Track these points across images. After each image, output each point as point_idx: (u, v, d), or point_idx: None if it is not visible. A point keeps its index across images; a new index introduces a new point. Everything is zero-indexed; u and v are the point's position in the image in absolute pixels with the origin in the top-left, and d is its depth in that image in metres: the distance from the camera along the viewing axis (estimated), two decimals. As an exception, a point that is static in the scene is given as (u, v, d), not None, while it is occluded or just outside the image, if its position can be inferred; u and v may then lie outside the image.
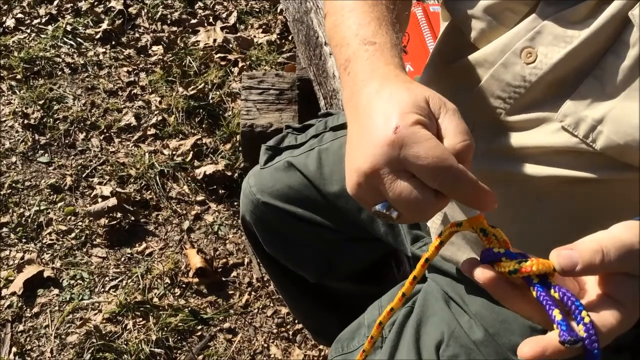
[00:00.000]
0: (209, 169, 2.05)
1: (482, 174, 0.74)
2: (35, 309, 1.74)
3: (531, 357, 0.47)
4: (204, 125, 2.20)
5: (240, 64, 2.41)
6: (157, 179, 2.04)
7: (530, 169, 0.68)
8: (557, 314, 0.48)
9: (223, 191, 2.02)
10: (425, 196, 0.52)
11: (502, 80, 0.68)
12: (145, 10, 2.69)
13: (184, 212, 1.98)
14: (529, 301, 0.51)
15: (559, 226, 0.71)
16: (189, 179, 2.05)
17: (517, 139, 0.68)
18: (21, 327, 1.70)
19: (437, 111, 0.55)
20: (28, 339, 1.68)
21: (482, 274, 0.51)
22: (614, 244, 0.48)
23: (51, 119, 2.20)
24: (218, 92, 2.30)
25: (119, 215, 1.93)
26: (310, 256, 1.14)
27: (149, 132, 2.18)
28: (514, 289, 0.52)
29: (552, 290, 0.50)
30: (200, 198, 2.02)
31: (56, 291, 1.78)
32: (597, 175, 0.63)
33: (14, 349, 1.65)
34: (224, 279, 1.82)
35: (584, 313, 0.48)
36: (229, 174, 2.04)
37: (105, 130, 2.18)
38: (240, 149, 2.08)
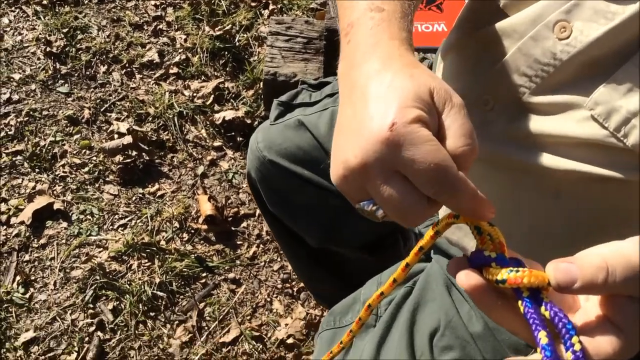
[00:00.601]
0: (228, 114, 1.99)
1: (497, 160, 0.67)
2: (42, 240, 1.74)
3: None
4: (227, 69, 2.13)
5: (270, 7, 2.31)
6: (176, 120, 1.99)
7: (550, 160, 0.60)
8: (542, 337, 0.42)
9: (241, 139, 1.97)
10: (416, 203, 0.46)
11: (529, 56, 0.60)
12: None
13: (200, 156, 1.94)
14: (516, 315, 0.45)
15: (574, 226, 0.64)
16: (208, 123, 2.00)
17: (539, 124, 0.61)
18: (27, 257, 1.70)
19: (441, 106, 0.48)
20: (33, 270, 1.68)
21: (465, 280, 0.45)
22: (621, 263, 0.41)
23: (74, 49, 2.15)
24: (245, 35, 2.21)
25: (134, 153, 1.89)
26: (314, 220, 1.09)
27: (171, 71, 2.12)
28: (502, 299, 0.45)
29: (543, 308, 0.43)
30: (217, 144, 1.97)
31: (65, 224, 1.77)
32: (623, 176, 0.56)
33: (18, 278, 1.66)
34: (233, 228, 1.79)
35: (574, 339, 0.41)
36: (249, 121, 1.98)
37: (127, 65, 2.13)
38: (262, 96, 2.02)
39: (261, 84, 2.02)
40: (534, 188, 0.65)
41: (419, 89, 0.48)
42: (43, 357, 1.54)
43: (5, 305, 1.61)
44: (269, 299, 1.66)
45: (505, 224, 0.73)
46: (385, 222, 0.54)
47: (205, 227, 1.77)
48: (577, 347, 0.41)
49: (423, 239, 0.55)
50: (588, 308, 0.46)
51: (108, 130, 1.96)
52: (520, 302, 0.44)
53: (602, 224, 0.63)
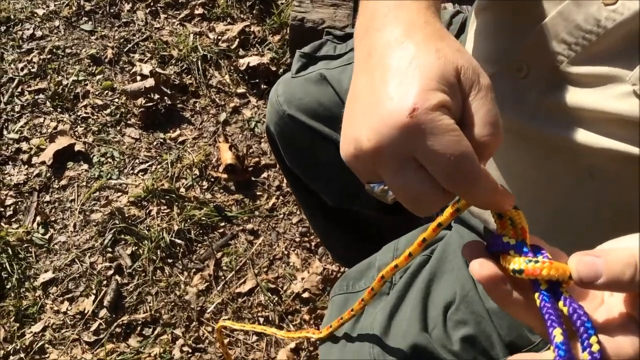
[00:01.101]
0: (253, 60, 1.93)
1: (527, 132, 0.61)
2: (63, 182, 1.73)
3: None
4: (254, 11, 2.06)
5: (302, -53, 2.21)
6: (199, 63, 1.94)
7: (584, 136, 0.55)
8: (557, 334, 0.38)
9: (265, 86, 1.91)
10: (431, 193, 0.43)
11: (571, 21, 0.53)
12: None
13: (223, 103, 1.89)
14: (532, 308, 0.41)
15: (603, 210, 0.59)
16: (232, 68, 1.94)
17: (576, 97, 0.55)
18: (47, 198, 1.71)
19: (467, 88, 0.44)
20: (53, 211, 1.69)
21: (478, 269, 0.41)
22: None
23: (98, -15, 2.09)
24: (274, -23, 2.12)
25: (156, 97, 1.86)
26: (331, 179, 1.04)
27: (196, 12, 2.05)
28: (519, 290, 0.42)
29: (562, 303, 0.39)
30: (240, 90, 1.92)
31: (85, 166, 1.76)
32: None
33: (38, 219, 1.66)
34: (253, 178, 1.76)
35: (593, 339, 0.37)
36: (274, 68, 1.92)
37: (151, 4, 2.07)
38: (288, 43, 1.95)
39: (288, 29, 1.95)
40: (564, 165, 0.59)
41: (445, 68, 0.43)
42: (61, 298, 1.56)
43: (25, 245, 1.62)
44: (286, 252, 1.65)
45: (530, 201, 0.68)
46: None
47: (225, 176, 1.74)
48: (596, 347, 0.37)
49: (442, 215, 0.51)
50: (612, 304, 0.42)
51: (131, 72, 1.92)
52: (537, 294, 0.40)
53: (632, 210, 0.57)
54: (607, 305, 0.42)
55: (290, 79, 1.03)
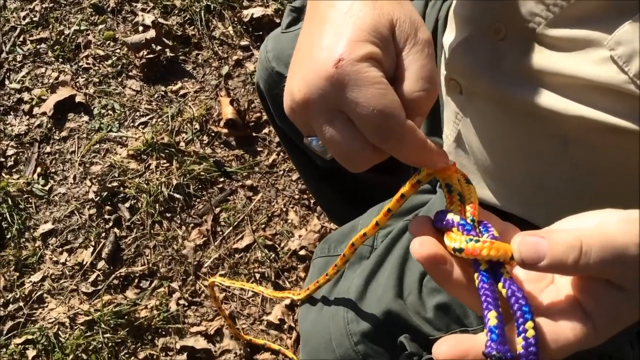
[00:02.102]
0: (257, 11, 1.88)
1: (505, 99, 0.58)
2: (64, 133, 1.73)
3: (446, 359, 0.37)
4: (260, -39, 2.00)
5: None
6: (202, 14, 1.90)
7: (560, 103, 0.52)
8: (492, 317, 0.36)
9: (269, 39, 1.86)
10: (360, 148, 0.42)
11: None
12: None
13: (225, 55, 1.86)
14: (473, 289, 0.39)
15: (578, 180, 0.57)
16: (235, 19, 1.89)
17: (553, 62, 0.51)
18: (48, 149, 1.71)
19: (402, 42, 0.43)
20: (53, 162, 1.69)
21: (418, 249, 0.39)
22: (598, 243, 0.35)
23: None
24: None
25: (157, 48, 1.82)
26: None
27: (200, -39, 1.99)
28: (463, 270, 0.40)
29: (501, 284, 0.38)
30: (244, 43, 1.88)
31: (86, 118, 1.75)
32: (638, 127, 0.47)
33: (38, 170, 1.67)
34: (254, 134, 1.74)
35: (529, 324, 0.36)
36: (278, 20, 1.87)
37: (155, -48, 2.01)
38: (294, -6, 1.89)
39: (294, -20, 1.89)
40: (541, 133, 0.56)
41: (379, 20, 0.41)
42: (60, 249, 1.57)
43: (26, 196, 1.63)
44: (284, 209, 1.64)
45: (508, 169, 0.66)
46: None
47: (225, 130, 1.72)
48: (530, 333, 0.36)
49: (405, 186, 0.49)
50: (561, 285, 0.40)
51: (133, 22, 1.89)
52: (476, 275, 0.38)
53: (608, 182, 0.55)
54: (556, 286, 0.40)
55: (280, 34, 1.00)
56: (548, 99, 0.53)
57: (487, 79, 0.59)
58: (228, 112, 1.72)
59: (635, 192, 0.50)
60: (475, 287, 0.38)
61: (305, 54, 0.44)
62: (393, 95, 0.41)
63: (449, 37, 0.66)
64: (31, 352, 1.45)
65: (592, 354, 0.91)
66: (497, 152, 0.65)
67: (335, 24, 0.42)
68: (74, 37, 1.87)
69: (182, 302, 1.51)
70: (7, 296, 1.51)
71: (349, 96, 0.40)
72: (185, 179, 1.64)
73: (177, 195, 1.63)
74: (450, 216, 0.41)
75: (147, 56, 1.81)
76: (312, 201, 1.64)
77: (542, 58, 0.52)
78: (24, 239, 1.58)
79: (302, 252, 1.56)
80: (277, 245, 1.58)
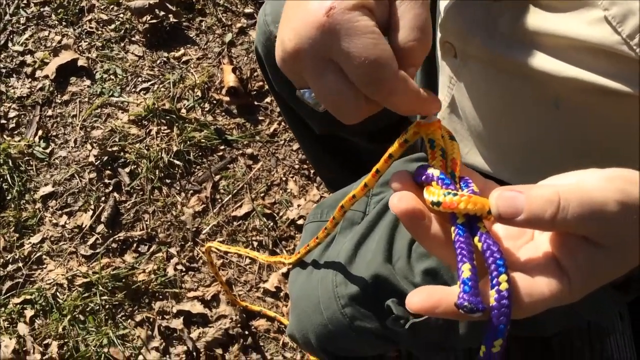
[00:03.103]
0: (262, -21, 1.86)
1: (499, 61, 0.57)
2: (65, 97, 1.72)
3: (418, 311, 0.37)
4: None
5: None
6: (207, -20, 1.88)
7: (552, 64, 0.51)
8: (465, 270, 0.36)
9: (273, 7, 1.85)
10: (352, 98, 0.41)
11: None
12: None
13: (229, 22, 1.84)
14: (449, 244, 0.39)
15: (570, 142, 0.56)
16: (240, -13, 1.87)
17: (547, 22, 0.50)
18: (50, 112, 1.70)
19: None
20: (55, 125, 1.69)
21: (397, 203, 0.39)
22: (577, 198, 0.35)
23: None
24: None
25: (161, 14, 1.81)
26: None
27: None
28: (442, 226, 0.40)
29: (477, 239, 0.37)
30: (248, 10, 1.86)
31: (88, 82, 1.75)
32: (631, 90, 0.46)
33: (40, 133, 1.67)
34: (256, 103, 1.73)
35: (502, 277, 0.35)
36: (283, -11, 1.85)
37: None
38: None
39: (300, -53, 1.86)
40: (534, 96, 0.56)
41: None
42: (60, 211, 1.58)
43: (27, 158, 1.64)
44: (284, 178, 1.63)
45: (501, 134, 0.65)
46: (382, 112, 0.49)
47: (227, 98, 1.71)
48: (504, 286, 0.35)
49: (393, 145, 0.49)
50: (540, 242, 0.40)
51: (137, -13, 1.87)
52: (453, 228, 0.38)
53: (602, 146, 0.54)
54: (535, 243, 0.40)
55: (278, -5, 0.98)
56: (541, 61, 0.52)
57: (481, 40, 0.58)
58: (230, 80, 1.71)
59: (629, 155, 0.49)
60: (451, 243, 0.38)
61: (296, 4, 0.43)
62: (385, 45, 0.40)
63: (444, 0, 0.65)
64: (29, 312, 1.46)
65: (581, 324, 0.91)
66: (490, 116, 0.65)
67: None
68: (77, 0, 1.85)
69: (179, 267, 1.52)
70: (7, 257, 1.52)
71: (340, 46, 0.39)
72: (185, 146, 1.64)
73: (177, 162, 1.63)
74: (430, 171, 0.40)
75: (150, 21, 1.80)
76: (311, 171, 1.64)
77: (536, 19, 0.51)
78: (24, 201, 1.59)
79: (301, 222, 1.56)
80: (275, 214, 1.58)
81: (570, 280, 0.36)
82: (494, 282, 0.35)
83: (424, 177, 0.41)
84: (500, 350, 0.36)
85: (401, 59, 0.41)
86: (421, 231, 0.39)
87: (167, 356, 1.43)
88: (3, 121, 1.69)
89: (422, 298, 0.37)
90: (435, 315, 0.37)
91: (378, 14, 0.41)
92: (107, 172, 1.62)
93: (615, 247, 0.36)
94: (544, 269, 0.37)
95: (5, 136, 1.67)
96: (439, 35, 0.67)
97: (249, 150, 1.66)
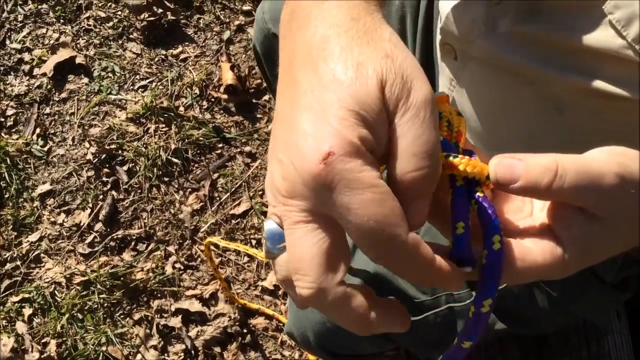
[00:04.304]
0: (261, -23, 1.85)
1: (499, 63, 0.57)
2: (63, 95, 1.72)
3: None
4: None
5: None
6: (205, -22, 1.87)
7: (554, 68, 0.51)
8: (459, 227, 0.36)
9: (272, 5, 1.84)
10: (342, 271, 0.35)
11: None
12: None
13: (227, 20, 1.84)
14: (449, 217, 0.38)
15: (572, 146, 0.56)
16: (238, -16, 1.87)
17: (548, 27, 0.50)
18: (47, 110, 1.70)
19: (393, 107, 0.35)
20: (52, 123, 1.69)
21: None
22: (575, 168, 0.34)
23: None
24: None
25: (159, 11, 1.81)
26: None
27: None
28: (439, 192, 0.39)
29: (474, 201, 0.37)
30: (247, 8, 1.85)
31: (86, 80, 1.74)
32: (634, 95, 0.46)
33: (37, 130, 1.66)
34: (254, 100, 1.73)
35: (496, 237, 0.35)
36: (281, -14, 1.85)
37: None
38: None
39: (299, -55, 1.86)
40: (536, 98, 0.56)
41: (366, 90, 0.35)
42: (58, 209, 1.58)
43: (24, 156, 1.63)
44: (283, 176, 1.63)
45: (502, 136, 0.65)
46: None
47: (225, 96, 1.71)
48: (497, 246, 0.35)
49: None
50: (538, 217, 0.40)
51: (135, -15, 1.87)
52: (451, 191, 0.38)
53: (602, 146, 0.54)
54: (533, 218, 0.40)
55: (277, -6, 0.98)
56: (543, 65, 0.52)
57: (482, 42, 0.58)
58: (228, 77, 1.71)
59: None
60: (447, 207, 0.38)
61: (288, 133, 0.36)
62: (392, 201, 0.33)
63: (444, 2, 0.64)
64: (27, 310, 1.46)
65: (577, 322, 0.91)
66: (491, 118, 0.65)
67: (315, 99, 0.35)
68: (75, -2, 1.85)
69: (178, 265, 1.52)
70: (5, 255, 1.52)
71: (341, 201, 0.33)
72: (183, 144, 1.64)
73: (175, 160, 1.63)
74: None
75: (148, 19, 1.79)
76: (310, 169, 1.64)
77: (538, 23, 0.51)
78: (22, 199, 1.59)
79: (299, 220, 1.56)
80: (273, 212, 1.58)
81: (565, 251, 0.36)
82: (488, 242, 0.35)
83: None
84: (489, 311, 0.36)
85: (403, 193, 0.35)
86: None
87: (166, 354, 1.43)
88: (1, 119, 1.69)
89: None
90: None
91: (377, 144, 0.35)
92: (105, 170, 1.62)
93: (612, 220, 0.35)
94: (539, 237, 0.37)
95: (3, 134, 1.67)
96: (439, 36, 0.67)
97: (247, 148, 1.66)
